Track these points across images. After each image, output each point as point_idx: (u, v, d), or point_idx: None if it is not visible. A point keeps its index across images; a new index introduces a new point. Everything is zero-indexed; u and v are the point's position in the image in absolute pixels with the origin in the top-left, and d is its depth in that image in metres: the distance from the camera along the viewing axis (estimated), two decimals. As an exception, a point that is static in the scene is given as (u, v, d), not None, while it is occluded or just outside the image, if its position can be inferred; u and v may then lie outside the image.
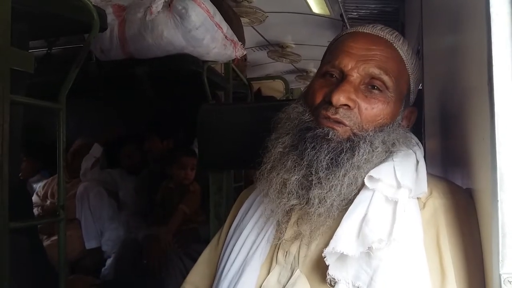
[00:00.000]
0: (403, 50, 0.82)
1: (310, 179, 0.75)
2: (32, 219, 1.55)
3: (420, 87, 1.52)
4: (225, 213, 1.01)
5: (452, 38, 0.94)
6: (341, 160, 0.74)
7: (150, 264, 2.47)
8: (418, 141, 0.86)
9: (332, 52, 0.83)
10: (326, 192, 0.73)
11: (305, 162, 0.75)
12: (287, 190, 0.76)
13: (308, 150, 0.75)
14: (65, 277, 1.37)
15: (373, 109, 0.77)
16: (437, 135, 1.19)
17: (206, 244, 0.99)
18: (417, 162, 0.79)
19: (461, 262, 0.69)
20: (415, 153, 0.81)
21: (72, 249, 2.65)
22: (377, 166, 0.76)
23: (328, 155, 0.74)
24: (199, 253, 0.98)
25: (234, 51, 2.26)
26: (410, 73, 0.83)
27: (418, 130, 0.91)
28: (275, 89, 3.96)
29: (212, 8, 2.03)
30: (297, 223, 0.79)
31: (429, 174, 0.81)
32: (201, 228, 2.64)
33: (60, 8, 1.33)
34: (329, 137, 0.75)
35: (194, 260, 0.99)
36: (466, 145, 0.77)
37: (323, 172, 0.74)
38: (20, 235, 1.21)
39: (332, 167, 0.74)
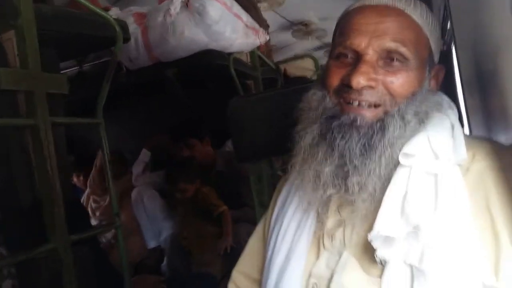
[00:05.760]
0: (416, 14, 0.77)
1: (345, 169, 0.73)
2: (91, 229, 1.63)
3: (453, 46, 1.45)
4: (269, 199, 1.02)
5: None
6: (373, 142, 0.72)
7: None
8: (450, 102, 0.82)
9: (342, 31, 0.79)
10: (366, 178, 0.72)
11: (336, 153, 0.73)
12: (322, 181, 0.75)
13: (338, 140, 0.73)
14: (130, 279, 1.45)
15: (399, 80, 0.74)
16: (476, 92, 1.14)
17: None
18: (452, 126, 0.76)
19: None
20: (449, 117, 0.77)
21: (137, 252, 2.80)
22: (410, 140, 0.73)
23: (360, 142, 0.72)
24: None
25: (257, 38, 2.25)
26: (428, 35, 0.78)
27: (450, 89, 0.86)
28: (306, 68, 3.89)
29: (228, 0, 2.03)
30: (338, 211, 0.79)
31: (469, 136, 0.78)
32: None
33: (83, 28, 1.37)
34: (358, 123, 0.73)
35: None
36: (504, 98, 0.73)
37: (358, 160, 0.72)
38: (82, 247, 1.28)
39: (366, 152, 0.72)
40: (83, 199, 3.15)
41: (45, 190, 1.16)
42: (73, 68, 2.22)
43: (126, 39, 1.55)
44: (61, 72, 1.63)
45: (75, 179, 3.19)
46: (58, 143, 1.24)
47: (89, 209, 3.09)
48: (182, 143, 3.01)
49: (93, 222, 3.08)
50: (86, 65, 2.26)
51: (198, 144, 3.01)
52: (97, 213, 3.07)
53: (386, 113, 0.74)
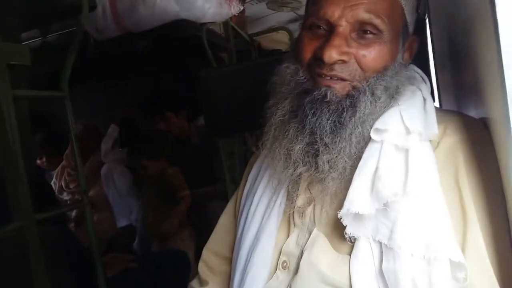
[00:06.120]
0: None
1: (315, 146, 0.72)
2: (58, 208, 1.58)
3: (426, 17, 1.45)
4: (240, 176, 1.00)
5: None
6: (344, 120, 0.71)
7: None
8: (423, 75, 0.82)
9: (315, 1, 0.76)
10: (336, 156, 0.71)
11: (307, 130, 0.72)
12: (292, 160, 0.74)
13: (309, 117, 0.71)
14: (99, 258, 1.42)
15: (371, 53, 0.72)
16: (448, 66, 1.14)
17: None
18: (424, 100, 0.75)
19: (482, 197, 0.67)
20: (421, 91, 0.77)
21: (106, 228, 2.75)
22: (382, 115, 0.72)
23: (330, 119, 0.71)
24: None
25: (230, 8, 2.19)
26: (403, 5, 0.76)
27: (423, 61, 0.85)
28: (280, 41, 3.83)
29: (201, -32, 1.95)
30: (309, 189, 0.78)
31: (441, 110, 0.78)
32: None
33: (45, -6, 1.29)
34: (328, 99, 0.71)
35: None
36: (475, 72, 0.73)
37: (328, 137, 0.71)
38: (48, 226, 1.25)
39: (337, 130, 0.71)
40: (57, 171, 3.07)
41: (7, 166, 1.11)
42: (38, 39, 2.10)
43: (93, 7, 1.47)
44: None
45: (38, 161, 3.07)
46: (21, 118, 1.18)
47: (62, 182, 3.02)
48: (158, 116, 2.94)
49: (66, 195, 3.02)
50: (50, 35, 2.15)
51: (173, 117, 2.95)
52: (71, 186, 3.00)
53: (354, 87, 0.72)
